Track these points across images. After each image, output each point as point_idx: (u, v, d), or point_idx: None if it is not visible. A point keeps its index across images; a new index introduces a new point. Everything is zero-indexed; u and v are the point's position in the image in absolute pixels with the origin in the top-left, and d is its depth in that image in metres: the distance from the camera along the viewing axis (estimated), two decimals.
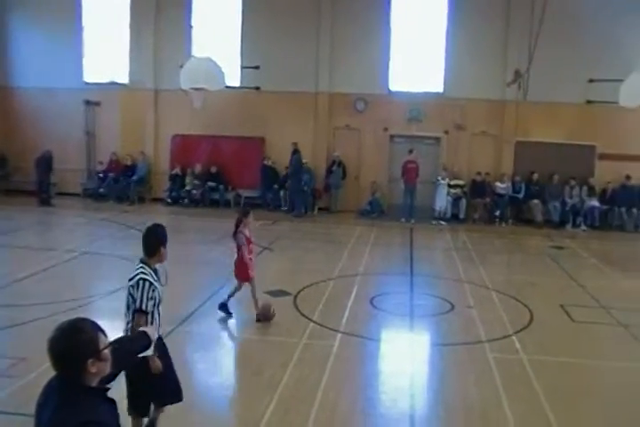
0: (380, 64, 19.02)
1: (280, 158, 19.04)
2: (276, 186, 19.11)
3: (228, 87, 18.01)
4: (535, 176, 18.46)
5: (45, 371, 2.92)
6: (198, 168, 19.49)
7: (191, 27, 19.69)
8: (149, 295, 4.89)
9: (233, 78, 18.95)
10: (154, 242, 5.09)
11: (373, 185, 19.01)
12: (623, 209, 18.00)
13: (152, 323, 4.96)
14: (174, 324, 8.19)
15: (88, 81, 20.27)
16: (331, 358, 7.63)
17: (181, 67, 17.44)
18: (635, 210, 18.00)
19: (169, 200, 19.49)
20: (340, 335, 8.48)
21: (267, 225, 16.13)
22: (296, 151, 18.55)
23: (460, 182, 18.81)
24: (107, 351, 2.71)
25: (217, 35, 19.61)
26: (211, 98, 17.47)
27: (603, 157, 18.42)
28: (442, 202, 18.43)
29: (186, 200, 19.36)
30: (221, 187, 19.39)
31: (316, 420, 6.08)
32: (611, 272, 13.03)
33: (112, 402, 2.79)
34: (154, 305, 4.96)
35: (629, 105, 15.92)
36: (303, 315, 9.26)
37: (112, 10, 20.12)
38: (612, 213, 18.21)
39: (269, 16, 19.18)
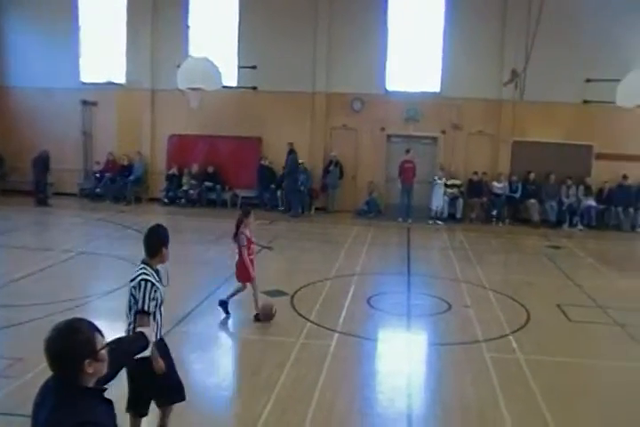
0: (378, 64, 19.02)
1: (277, 158, 19.03)
2: (273, 186, 19.10)
3: (225, 87, 18.02)
4: (532, 176, 18.49)
5: (42, 371, 2.92)
6: (195, 168, 19.47)
7: (188, 27, 19.68)
8: (151, 296, 4.87)
9: (230, 78, 18.96)
10: (156, 242, 5.07)
11: (370, 185, 19.02)
12: (620, 209, 18.03)
13: (155, 324, 4.97)
14: (171, 324, 8.14)
15: (85, 81, 20.25)
16: (328, 358, 7.63)
17: (178, 67, 17.45)
18: (631, 210, 18.03)
19: (166, 200, 19.48)
20: (337, 335, 8.48)
21: (264, 225, 16.10)
22: (292, 151, 18.55)
23: (457, 182, 18.82)
24: (104, 352, 2.71)
25: (214, 35, 19.59)
26: (208, 98, 17.46)
27: (599, 156, 18.45)
28: (439, 202, 18.43)
29: (183, 200, 19.34)
30: (218, 187, 19.38)
31: (314, 419, 6.08)
32: (607, 272, 13.05)
33: (109, 403, 2.79)
34: (156, 306, 4.94)
35: (626, 105, 15.93)
36: (300, 315, 9.27)
37: (109, 10, 20.09)
38: (608, 212, 18.24)
39: (266, 16, 19.17)
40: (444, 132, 19.10)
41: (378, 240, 15.66)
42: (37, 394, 2.75)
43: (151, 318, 4.90)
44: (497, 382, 7.09)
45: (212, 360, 7.84)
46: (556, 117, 18.27)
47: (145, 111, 19.91)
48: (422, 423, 6.33)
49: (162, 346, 5.15)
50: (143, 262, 5.04)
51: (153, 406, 5.28)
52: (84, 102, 20.01)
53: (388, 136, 19.39)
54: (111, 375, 2.97)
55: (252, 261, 8.86)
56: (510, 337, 8.64)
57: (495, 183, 18.60)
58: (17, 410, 5.55)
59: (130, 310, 4.95)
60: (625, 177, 18.12)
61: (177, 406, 5.41)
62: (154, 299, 4.89)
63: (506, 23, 18.26)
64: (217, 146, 19.69)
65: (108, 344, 2.78)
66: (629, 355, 8.28)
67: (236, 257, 8.85)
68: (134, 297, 4.89)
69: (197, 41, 19.63)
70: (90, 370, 2.64)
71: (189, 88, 16.85)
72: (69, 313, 7.76)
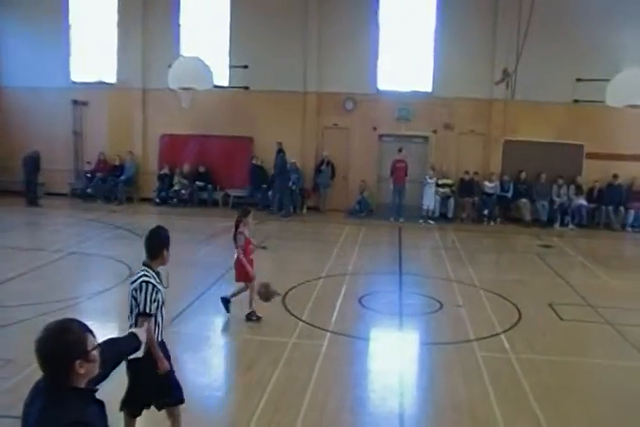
0: (369, 63, 19.04)
1: (268, 158, 18.99)
2: (264, 186, 19.07)
3: (216, 87, 18.00)
4: (523, 175, 18.55)
5: (33, 372, 2.91)
6: (187, 168, 19.43)
7: (179, 26, 19.64)
8: (153, 298, 4.87)
9: (221, 78, 18.93)
10: (157, 245, 5.06)
11: (362, 184, 19.02)
12: (610, 208, 18.11)
13: (155, 325, 4.97)
14: None
15: (76, 80, 20.19)
16: (320, 358, 7.63)
17: (169, 66, 17.40)
18: (621, 208, 18.13)
19: (157, 200, 19.43)
20: (329, 335, 8.49)
21: (255, 225, 16.07)
22: (280, 151, 18.51)
23: (449, 181, 18.85)
24: (95, 352, 2.70)
25: (205, 34, 19.57)
26: (199, 97, 17.43)
27: (590, 156, 18.52)
28: (430, 201, 18.45)
29: (174, 200, 19.29)
30: (210, 186, 19.36)
31: (306, 419, 6.09)
32: (598, 270, 13.09)
33: (100, 403, 2.78)
34: (157, 308, 4.95)
35: (616, 105, 16.01)
36: (292, 314, 9.26)
37: (99, 9, 20.02)
38: (599, 211, 18.32)
39: (258, 15, 19.15)
40: (435, 131, 19.13)
41: (369, 240, 15.67)
42: (28, 395, 2.74)
43: (152, 320, 4.90)
44: (488, 380, 7.11)
45: (203, 360, 7.83)
46: (547, 117, 18.34)
47: (136, 111, 19.85)
48: (414, 422, 6.35)
49: (162, 347, 5.14)
50: (144, 264, 5.03)
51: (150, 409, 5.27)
52: (75, 102, 19.93)
53: (380, 136, 19.42)
54: (103, 376, 2.96)
55: (250, 260, 8.84)
56: (502, 336, 8.67)
57: (486, 183, 18.65)
58: (7, 411, 5.51)
59: (131, 312, 4.95)
60: (615, 176, 18.21)
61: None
62: (155, 301, 4.90)
63: (497, 23, 18.32)
64: (208, 146, 19.64)
65: (100, 345, 2.77)
66: (620, 353, 8.32)
67: (235, 257, 8.83)
68: (135, 299, 4.88)
69: (188, 40, 19.60)
70: (81, 371, 2.63)
71: (181, 88, 16.81)
72: (60, 313, 7.71)
